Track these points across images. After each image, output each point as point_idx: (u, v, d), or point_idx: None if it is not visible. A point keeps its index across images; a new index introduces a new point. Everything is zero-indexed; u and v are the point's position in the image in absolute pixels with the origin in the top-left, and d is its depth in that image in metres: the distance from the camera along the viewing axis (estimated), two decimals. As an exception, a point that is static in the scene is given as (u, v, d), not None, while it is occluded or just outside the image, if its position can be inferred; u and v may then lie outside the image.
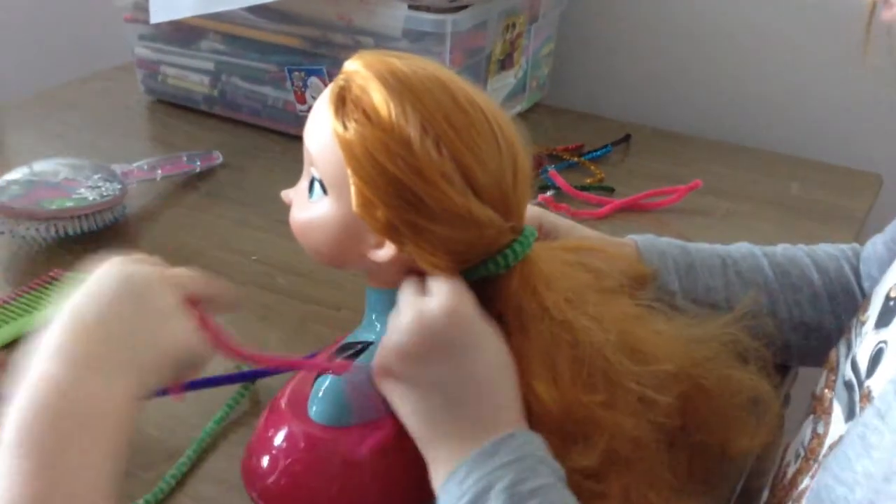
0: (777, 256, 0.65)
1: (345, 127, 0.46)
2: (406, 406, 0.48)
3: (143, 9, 1.00)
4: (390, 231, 0.47)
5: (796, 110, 1.13)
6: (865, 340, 0.49)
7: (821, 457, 0.49)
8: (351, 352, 0.54)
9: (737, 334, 0.56)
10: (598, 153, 1.05)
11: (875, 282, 0.62)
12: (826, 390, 0.52)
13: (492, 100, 0.50)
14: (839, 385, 0.49)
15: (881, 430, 0.39)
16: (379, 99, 0.46)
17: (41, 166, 0.85)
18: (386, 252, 0.48)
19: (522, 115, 1.15)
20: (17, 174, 0.83)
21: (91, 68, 1.26)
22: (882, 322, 0.48)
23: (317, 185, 0.50)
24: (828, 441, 0.48)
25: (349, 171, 0.47)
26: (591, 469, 0.49)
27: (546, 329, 0.49)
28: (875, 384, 0.45)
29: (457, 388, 0.47)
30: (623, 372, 0.50)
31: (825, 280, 0.64)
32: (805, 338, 0.64)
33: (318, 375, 0.54)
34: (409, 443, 0.50)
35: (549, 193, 0.94)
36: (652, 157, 1.07)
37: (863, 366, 0.47)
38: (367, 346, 0.53)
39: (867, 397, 0.45)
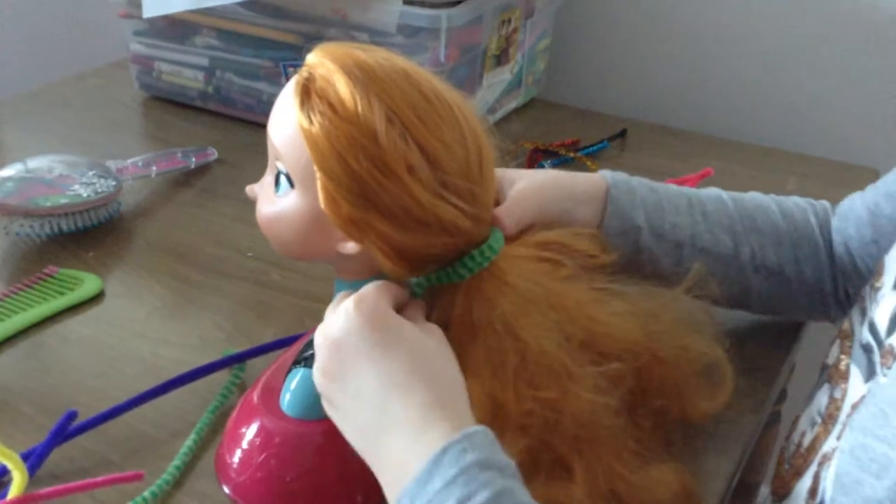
0: (744, 201, 0.66)
1: (310, 120, 0.46)
2: (345, 428, 0.47)
3: (138, 5, 0.99)
4: (351, 228, 0.47)
5: (793, 105, 1.13)
6: (884, 302, 0.49)
7: (843, 417, 0.49)
8: None
9: (689, 306, 0.57)
10: (595, 148, 1.04)
11: (851, 238, 0.64)
12: (842, 356, 0.52)
13: (455, 90, 0.50)
14: (856, 349, 0.49)
15: None
16: (344, 90, 0.46)
17: (36, 163, 0.85)
18: (353, 245, 0.49)
19: (518, 111, 1.15)
20: (11, 171, 0.83)
21: (86, 65, 1.25)
22: None
23: (283, 179, 0.50)
24: (848, 402, 0.48)
25: (315, 165, 0.47)
26: (552, 454, 0.49)
27: (493, 337, 0.49)
28: None
29: (377, 394, 0.45)
30: (575, 371, 0.50)
31: (790, 227, 0.65)
32: (766, 280, 0.65)
33: (292, 367, 0.54)
34: None
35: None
36: (649, 152, 1.06)
37: (882, 326, 0.48)
38: None
39: (890, 353, 0.45)
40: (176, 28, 1.07)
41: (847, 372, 0.50)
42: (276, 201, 0.50)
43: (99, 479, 0.52)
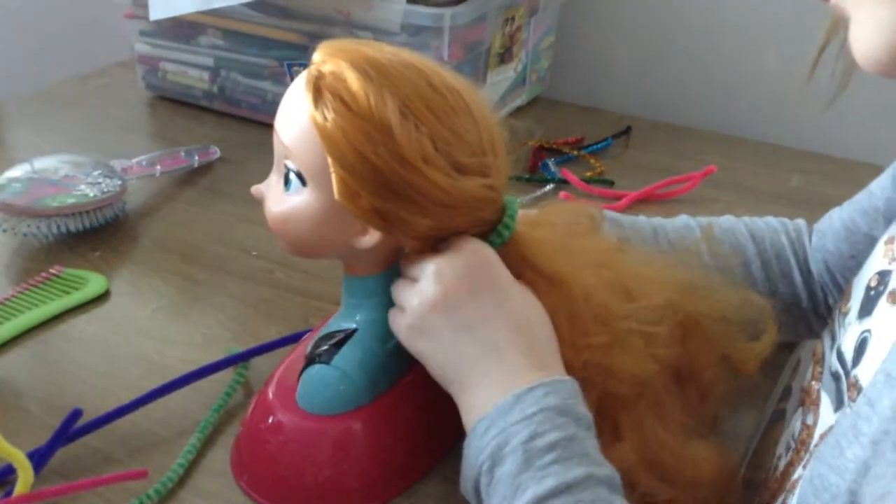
0: (712, 227, 0.67)
1: (324, 117, 0.46)
2: (437, 356, 0.49)
3: (143, 5, 1.00)
4: (374, 218, 0.48)
5: (797, 102, 1.13)
6: (849, 331, 0.49)
7: (812, 447, 0.49)
8: (333, 340, 0.54)
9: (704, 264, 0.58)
10: (599, 146, 1.04)
11: (829, 254, 0.64)
12: (813, 382, 0.52)
13: (465, 80, 0.51)
14: (826, 376, 0.49)
15: (870, 418, 0.39)
16: (356, 87, 0.46)
17: (42, 163, 0.85)
18: (370, 238, 0.49)
19: (523, 109, 1.15)
20: (17, 171, 0.83)
21: (92, 65, 1.26)
22: (864, 312, 0.49)
23: (294, 178, 0.50)
24: (818, 431, 0.48)
25: (330, 161, 0.47)
26: (600, 410, 0.50)
27: (540, 291, 0.51)
28: (862, 373, 0.45)
29: (484, 330, 0.48)
30: (618, 311, 0.52)
31: (759, 248, 0.66)
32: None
33: (307, 364, 0.55)
34: (397, 427, 0.51)
35: (549, 187, 0.94)
36: (653, 149, 1.07)
37: (848, 356, 0.47)
38: (350, 333, 0.54)
39: (854, 386, 0.45)
40: (181, 28, 1.08)
41: (818, 398, 0.50)
42: (287, 200, 0.51)
43: (103, 477, 0.53)
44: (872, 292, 0.49)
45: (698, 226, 0.66)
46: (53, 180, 0.83)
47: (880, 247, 0.51)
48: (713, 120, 1.15)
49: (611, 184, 0.97)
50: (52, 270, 0.77)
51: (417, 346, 0.50)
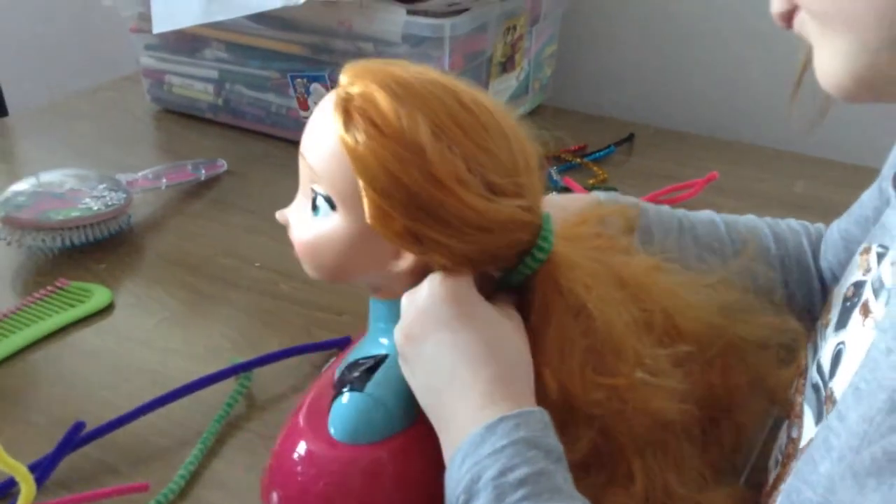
0: (737, 224, 0.65)
1: (355, 140, 0.45)
2: (415, 384, 0.49)
3: (148, 20, 1.01)
4: (409, 241, 0.46)
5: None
6: (828, 343, 0.49)
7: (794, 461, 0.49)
8: (364, 367, 0.53)
9: (745, 285, 0.56)
10: (601, 154, 1.05)
11: (831, 265, 0.63)
12: (797, 395, 0.51)
13: (493, 97, 0.50)
14: (808, 388, 0.49)
15: (840, 433, 0.39)
16: (387, 108, 0.45)
17: (47, 177, 0.86)
18: (404, 262, 0.48)
19: (526, 118, 1.15)
20: (24, 185, 0.84)
21: (100, 79, 1.27)
22: (840, 324, 0.48)
23: (322, 202, 0.49)
24: (801, 445, 0.48)
25: (362, 184, 0.46)
26: (617, 453, 0.49)
27: (564, 318, 0.49)
28: (837, 386, 0.45)
29: (451, 361, 0.47)
30: (643, 354, 0.50)
31: (781, 251, 0.64)
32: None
33: (338, 391, 0.53)
34: (430, 455, 0.49)
35: (551, 196, 0.94)
36: (656, 156, 1.07)
37: (826, 368, 0.47)
38: (381, 359, 0.52)
39: (830, 399, 0.45)
40: (185, 41, 1.09)
41: (801, 411, 0.49)
42: (315, 225, 0.49)
43: (104, 489, 0.53)
44: (848, 303, 0.48)
45: (723, 222, 0.65)
46: (59, 194, 0.84)
47: (857, 258, 0.51)
48: (716, 126, 1.15)
49: (614, 191, 0.97)
50: (57, 283, 0.78)
51: (406, 378, 0.50)
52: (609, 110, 1.18)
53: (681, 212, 0.66)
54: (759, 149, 1.08)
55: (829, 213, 0.94)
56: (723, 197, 0.95)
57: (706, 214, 0.66)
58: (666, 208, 0.66)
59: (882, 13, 0.35)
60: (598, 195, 0.65)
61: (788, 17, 0.40)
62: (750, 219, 0.67)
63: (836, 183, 1.00)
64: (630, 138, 1.09)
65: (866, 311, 0.45)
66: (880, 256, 0.46)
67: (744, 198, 0.96)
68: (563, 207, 0.62)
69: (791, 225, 0.68)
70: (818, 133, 1.17)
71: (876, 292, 0.45)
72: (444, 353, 0.47)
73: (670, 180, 0.96)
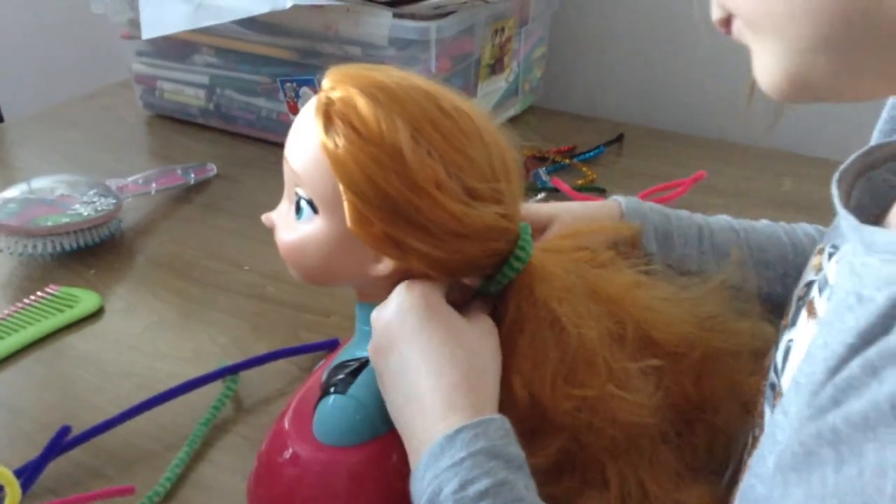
0: (755, 231, 0.65)
1: (335, 144, 0.46)
2: (386, 398, 0.49)
3: (139, 26, 1.02)
4: (388, 245, 0.47)
5: (788, 106, 1.13)
6: (782, 342, 0.49)
7: None
8: (348, 370, 0.53)
9: (731, 292, 0.57)
10: (591, 154, 1.05)
11: None
12: (759, 395, 0.52)
13: (474, 103, 0.50)
14: (767, 389, 0.49)
15: (784, 426, 0.39)
16: (367, 112, 0.45)
17: (39, 183, 0.87)
18: (384, 266, 0.49)
19: (515, 119, 1.16)
20: (14, 192, 0.85)
21: (93, 85, 1.28)
22: (793, 322, 0.48)
23: (305, 205, 0.49)
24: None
25: (342, 188, 0.46)
26: (590, 457, 0.49)
27: (537, 328, 0.49)
28: (785, 382, 0.45)
29: (413, 372, 0.47)
30: (616, 369, 0.50)
31: (800, 260, 0.64)
32: (772, 313, 0.64)
33: (322, 394, 0.54)
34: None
35: (540, 196, 0.95)
36: (645, 156, 1.07)
37: (779, 366, 0.47)
38: (365, 362, 0.53)
39: (779, 395, 0.45)
40: (176, 48, 1.10)
41: (763, 411, 0.50)
42: (299, 228, 0.50)
43: (90, 493, 0.54)
44: (801, 302, 0.49)
45: (742, 229, 0.65)
46: (49, 200, 0.85)
47: (812, 258, 0.51)
48: (705, 125, 1.15)
49: (602, 191, 0.97)
50: (47, 289, 0.78)
51: (378, 384, 0.50)
52: (600, 111, 1.19)
53: (699, 217, 0.66)
54: (746, 147, 1.09)
55: (817, 210, 0.94)
56: (711, 196, 0.95)
57: (724, 220, 0.66)
58: (686, 213, 0.66)
59: (803, 13, 0.36)
60: (619, 199, 0.65)
61: (726, 23, 0.41)
62: (767, 225, 0.67)
63: (823, 181, 0.99)
64: (619, 139, 1.09)
65: (812, 309, 0.45)
66: (831, 256, 0.46)
67: (732, 196, 0.97)
68: (574, 216, 0.62)
69: (806, 230, 0.67)
70: (806, 132, 1.19)
71: (821, 289, 0.45)
72: (408, 365, 0.47)
73: (659, 180, 0.96)
